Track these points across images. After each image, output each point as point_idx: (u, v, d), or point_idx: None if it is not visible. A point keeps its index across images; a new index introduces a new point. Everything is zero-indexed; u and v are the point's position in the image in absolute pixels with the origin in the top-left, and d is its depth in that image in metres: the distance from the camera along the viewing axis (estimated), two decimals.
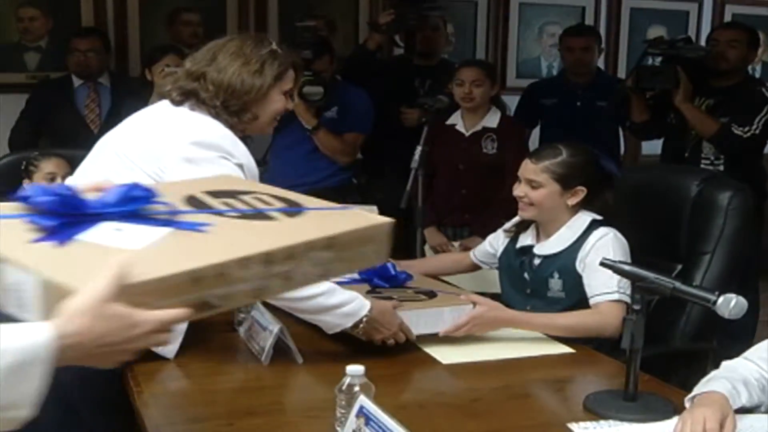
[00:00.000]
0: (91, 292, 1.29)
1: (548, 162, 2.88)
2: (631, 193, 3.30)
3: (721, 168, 4.61)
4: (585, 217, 2.90)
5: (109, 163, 2.50)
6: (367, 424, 1.80)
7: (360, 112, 4.71)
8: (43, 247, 1.43)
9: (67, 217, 1.48)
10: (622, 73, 7.00)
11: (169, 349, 2.29)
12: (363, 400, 1.84)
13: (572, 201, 2.88)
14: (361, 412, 1.82)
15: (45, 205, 1.49)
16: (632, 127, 5.07)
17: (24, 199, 1.50)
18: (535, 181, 2.87)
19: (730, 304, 1.96)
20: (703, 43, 5.47)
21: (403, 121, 5.09)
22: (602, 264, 2.21)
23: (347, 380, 1.91)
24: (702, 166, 4.62)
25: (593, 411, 2.09)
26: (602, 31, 6.97)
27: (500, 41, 6.83)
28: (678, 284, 2.03)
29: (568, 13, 6.92)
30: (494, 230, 3.25)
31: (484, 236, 3.37)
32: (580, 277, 2.82)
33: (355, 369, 1.91)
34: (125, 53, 5.86)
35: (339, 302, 2.38)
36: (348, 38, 6.01)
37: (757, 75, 7.47)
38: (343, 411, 1.90)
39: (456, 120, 4.62)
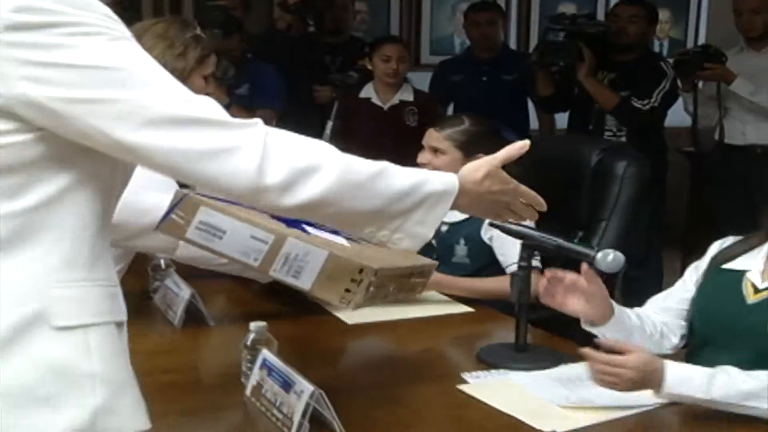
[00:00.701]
0: (487, 160, 1.79)
1: (450, 130, 3.01)
2: (537, 164, 3.42)
3: (624, 139, 4.80)
4: None
5: None
6: (269, 374, 1.91)
7: (271, 89, 4.81)
8: (298, 231, 1.81)
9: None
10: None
11: None
12: (265, 354, 1.95)
13: None
14: (264, 365, 1.94)
15: None
16: (538, 100, 5.25)
17: None
18: (438, 148, 2.99)
19: (608, 258, 2.11)
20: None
21: (316, 99, 5.18)
22: (490, 224, 2.34)
23: (251, 336, 2.02)
24: (605, 137, 4.81)
25: (486, 361, 2.22)
26: (513, 7, 7.19)
27: (414, 19, 6.97)
28: (560, 241, 2.18)
29: None
30: None
31: None
32: (485, 244, 2.95)
33: (257, 325, 2.02)
34: None
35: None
36: (261, 17, 6.07)
37: (665, 50, 7.71)
38: (248, 365, 2.01)
39: (370, 94, 4.76)
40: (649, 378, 1.91)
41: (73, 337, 1.34)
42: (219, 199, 1.94)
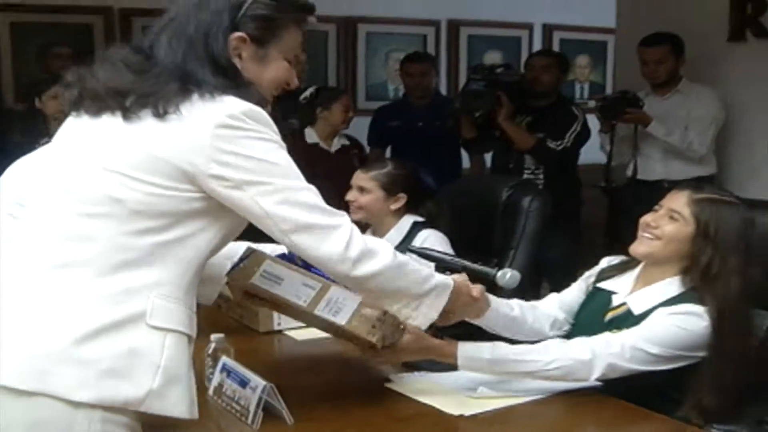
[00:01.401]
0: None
1: (376, 172, 3.44)
2: (458, 200, 3.90)
3: (541, 177, 5.27)
4: (408, 220, 3.46)
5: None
6: (228, 376, 2.31)
7: None
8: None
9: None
10: None
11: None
12: (224, 359, 2.35)
13: (395, 206, 3.43)
14: (224, 368, 2.34)
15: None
16: (463, 143, 5.72)
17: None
18: (364, 187, 3.42)
19: (506, 276, 2.52)
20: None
21: None
22: (409, 250, 2.77)
23: (212, 345, 2.41)
24: (525, 175, 5.24)
25: (408, 365, 2.56)
26: (443, 57, 7.63)
27: (350, 67, 7.38)
28: (466, 263, 2.59)
29: (411, 41, 7.51)
30: None
31: None
32: None
33: (217, 336, 2.42)
34: None
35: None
36: None
37: (585, 93, 8.26)
38: (211, 370, 2.39)
39: (315, 139, 5.23)
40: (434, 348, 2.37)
41: (156, 334, 1.79)
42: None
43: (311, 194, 1.93)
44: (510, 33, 7.99)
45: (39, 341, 1.72)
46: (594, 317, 2.64)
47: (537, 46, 8.05)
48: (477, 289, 2.40)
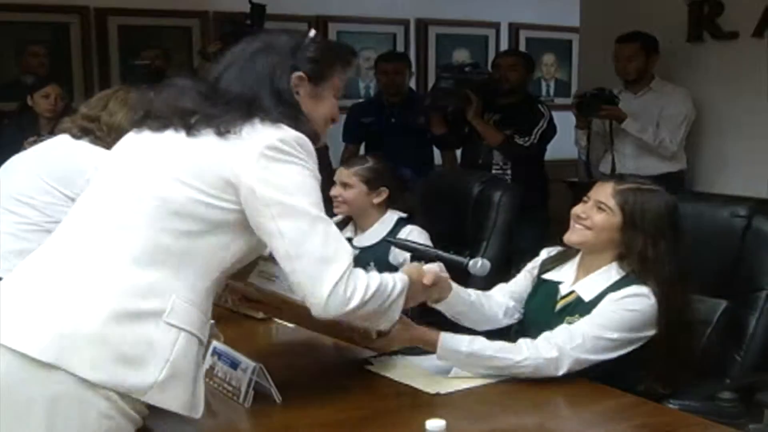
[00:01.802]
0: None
1: (358, 167, 3.60)
2: (432, 194, 4.08)
3: (509, 172, 5.45)
4: (393, 216, 3.62)
5: (25, 181, 3.08)
6: (219, 359, 2.47)
7: None
8: None
9: None
10: None
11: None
12: (215, 343, 2.51)
13: (377, 200, 3.60)
14: (215, 352, 2.49)
15: None
16: (433, 138, 5.89)
17: None
18: (347, 183, 3.58)
19: (477, 265, 2.68)
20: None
21: None
22: (387, 240, 2.93)
23: None
24: (493, 171, 5.43)
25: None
26: (412, 55, 7.75)
27: None
28: (440, 252, 2.76)
29: (381, 40, 7.70)
30: None
31: None
32: (393, 267, 3.50)
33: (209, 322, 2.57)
34: None
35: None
36: (183, 67, 6.52)
37: (551, 91, 8.46)
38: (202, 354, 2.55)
39: None
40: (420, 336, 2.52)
41: (171, 332, 1.96)
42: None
43: (325, 227, 2.06)
44: (477, 32, 8.17)
45: (66, 318, 1.91)
46: (544, 307, 2.78)
47: (504, 44, 8.24)
48: (428, 277, 2.49)
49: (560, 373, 2.48)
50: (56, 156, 3.15)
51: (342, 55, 2.31)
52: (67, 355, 1.88)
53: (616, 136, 5.35)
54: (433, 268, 2.54)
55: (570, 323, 2.60)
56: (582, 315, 2.60)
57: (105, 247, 2.01)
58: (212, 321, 2.53)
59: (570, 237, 2.72)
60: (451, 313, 2.78)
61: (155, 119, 2.14)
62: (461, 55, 7.91)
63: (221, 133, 2.03)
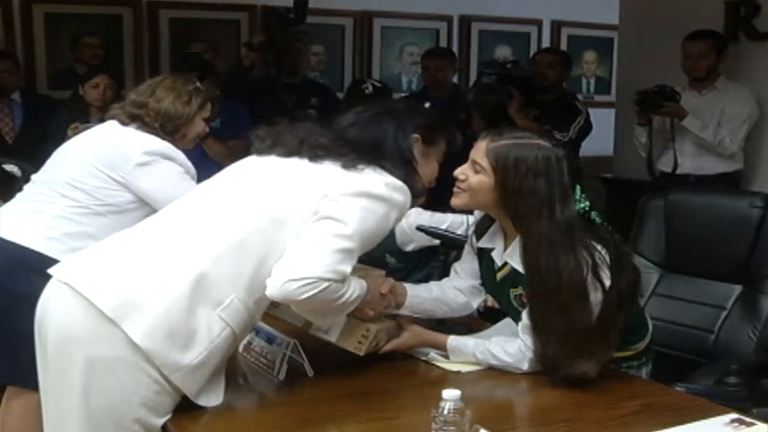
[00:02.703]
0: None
1: None
2: None
3: None
4: None
5: (76, 166, 3.21)
6: (257, 334, 2.63)
7: (241, 123, 5.42)
8: None
9: None
10: None
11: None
12: None
13: None
14: (253, 328, 2.61)
15: None
16: (473, 135, 6.01)
17: None
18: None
19: None
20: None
21: None
22: (418, 228, 3.08)
23: None
24: None
25: None
26: (454, 50, 7.85)
27: (365, 60, 7.66)
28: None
29: (424, 36, 7.83)
30: None
31: None
32: (407, 252, 3.68)
33: None
34: (33, 73, 6.53)
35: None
36: (231, 60, 6.72)
37: (592, 88, 8.55)
38: None
39: None
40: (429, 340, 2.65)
41: (219, 324, 2.20)
42: None
43: (348, 261, 2.26)
44: (519, 29, 8.25)
45: (141, 287, 2.17)
46: (489, 278, 2.74)
47: (546, 41, 8.32)
48: (385, 286, 2.62)
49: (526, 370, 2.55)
50: (104, 141, 3.29)
51: (448, 126, 2.67)
52: (128, 318, 2.11)
53: (677, 134, 5.34)
54: (389, 279, 2.69)
55: (517, 295, 2.59)
56: (523, 286, 2.55)
57: (201, 237, 2.26)
58: None
59: (452, 201, 2.61)
60: (417, 312, 2.81)
61: (282, 147, 2.44)
62: (503, 52, 8.02)
63: (346, 166, 2.32)
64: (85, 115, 5.27)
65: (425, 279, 3.51)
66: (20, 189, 4.69)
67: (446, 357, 2.64)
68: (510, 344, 2.56)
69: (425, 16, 7.77)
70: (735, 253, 3.13)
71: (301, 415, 2.27)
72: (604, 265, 2.44)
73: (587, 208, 2.49)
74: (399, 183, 2.35)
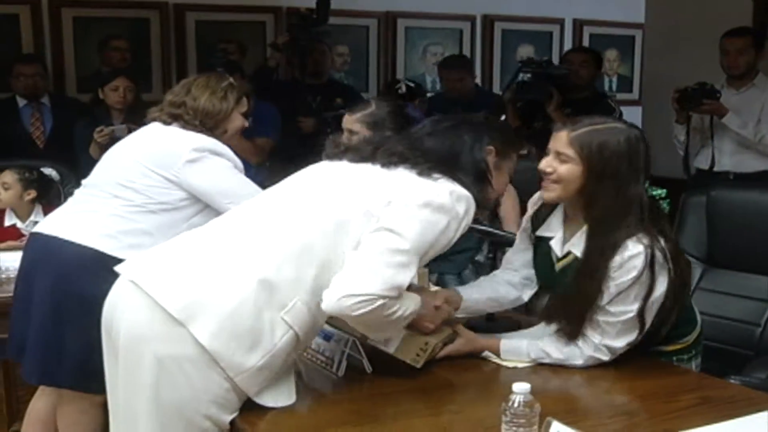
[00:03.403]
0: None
1: (360, 114, 3.60)
2: None
3: None
4: None
5: (126, 167, 3.25)
6: None
7: (268, 122, 5.48)
8: None
9: None
10: (496, 86, 7.96)
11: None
12: None
13: None
14: None
15: None
16: None
17: None
18: (352, 130, 3.57)
19: None
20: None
21: (301, 129, 5.94)
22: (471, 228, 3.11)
23: None
24: None
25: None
26: (477, 50, 7.96)
27: (390, 60, 7.69)
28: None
29: (447, 35, 7.86)
30: None
31: None
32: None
33: None
34: (62, 76, 6.58)
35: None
36: (257, 61, 6.74)
37: (614, 86, 8.56)
38: None
39: None
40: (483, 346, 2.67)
41: (282, 327, 2.23)
42: None
43: (406, 271, 2.26)
44: (542, 28, 8.27)
45: (208, 289, 2.20)
46: (545, 266, 2.77)
47: (568, 40, 8.36)
48: (438, 299, 2.66)
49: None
50: (153, 142, 3.32)
51: (521, 140, 2.73)
52: (194, 319, 2.15)
53: (716, 132, 5.30)
54: (441, 291, 2.77)
55: None
56: None
57: (267, 240, 2.29)
58: None
59: (544, 195, 2.64)
60: (471, 313, 2.85)
61: (355, 152, 2.50)
62: (526, 51, 8.04)
63: (420, 174, 2.35)
64: (107, 118, 5.33)
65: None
66: (58, 193, 4.78)
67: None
68: (562, 342, 2.60)
69: (449, 16, 7.79)
70: None
71: (365, 411, 2.31)
72: (661, 254, 2.49)
73: (662, 195, 2.60)
74: (464, 193, 2.35)
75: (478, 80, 7.49)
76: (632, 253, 2.46)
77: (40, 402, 3.47)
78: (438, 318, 2.62)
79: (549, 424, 1.95)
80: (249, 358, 2.19)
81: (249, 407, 2.25)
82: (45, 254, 3.22)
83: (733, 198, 3.40)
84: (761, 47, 5.32)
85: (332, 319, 2.48)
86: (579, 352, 2.57)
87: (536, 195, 2.81)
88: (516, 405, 1.98)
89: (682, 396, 2.39)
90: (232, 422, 2.23)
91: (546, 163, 2.57)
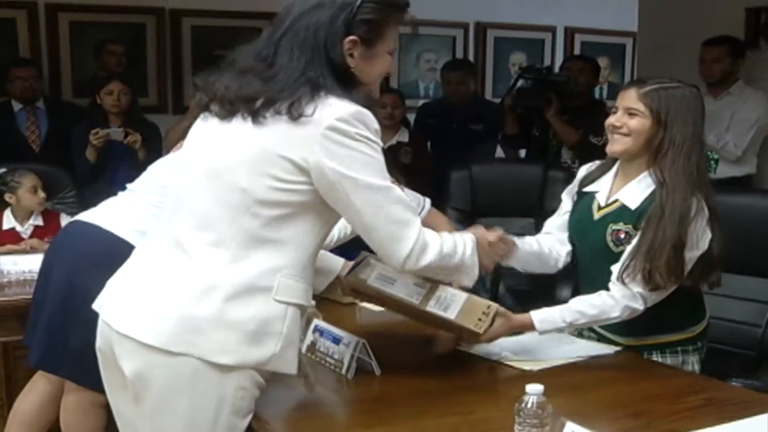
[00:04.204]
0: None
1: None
2: None
3: (576, 170, 5.64)
4: None
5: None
6: (321, 335, 2.68)
7: None
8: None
9: None
10: (488, 93, 8.03)
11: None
12: (316, 321, 2.73)
13: None
14: (316, 329, 2.71)
15: None
16: (504, 139, 6.14)
17: None
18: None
19: None
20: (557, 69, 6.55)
21: None
22: None
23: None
24: None
25: None
26: (470, 56, 8.01)
27: None
28: None
29: (441, 43, 7.93)
30: None
31: None
32: None
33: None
34: (58, 80, 6.60)
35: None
36: None
37: (605, 94, 8.64)
38: (303, 332, 2.70)
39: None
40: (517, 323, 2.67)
41: (280, 307, 2.14)
42: None
43: (394, 194, 2.18)
44: (534, 35, 8.37)
45: (184, 304, 2.10)
46: (584, 217, 2.90)
47: (559, 48, 8.45)
48: (493, 235, 2.63)
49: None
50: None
51: (394, 10, 2.27)
52: (195, 342, 2.09)
53: None
54: (496, 228, 2.70)
55: (615, 230, 2.76)
56: (628, 222, 2.74)
57: (202, 237, 2.15)
58: (312, 301, 2.76)
59: (612, 147, 2.80)
60: (521, 266, 2.93)
61: (221, 107, 2.19)
62: (518, 58, 8.14)
63: (293, 117, 2.08)
64: (104, 122, 5.36)
65: None
66: (69, 188, 4.85)
67: (517, 356, 2.70)
68: (593, 298, 2.70)
69: (442, 23, 7.82)
70: None
71: (377, 413, 2.33)
72: (711, 209, 2.68)
73: (716, 158, 2.67)
74: (347, 113, 2.10)
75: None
76: (695, 204, 2.62)
77: (26, 402, 3.47)
78: (494, 255, 2.64)
79: (563, 425, 1.99)
80: (266, 350, 2.12)
81: (262, 408, 2.24)
82: (67, 242, 3.25)
83: (726, 203, 3.44)
84: (739, 56, 5.44)
85: (390, 287, 2.53)
86: (615, 304, 2.66)
87: (584, 167, 3.05)
88: (529, 406, 2.00)
89: (688, 398, 2.44)
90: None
91: (615, 119, 2.76)
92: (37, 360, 3.29)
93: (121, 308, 2.21)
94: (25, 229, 4.68)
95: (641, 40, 6.65)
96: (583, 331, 2.92)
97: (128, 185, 3.40)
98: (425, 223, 2.31)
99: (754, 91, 5.45)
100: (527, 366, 2.63)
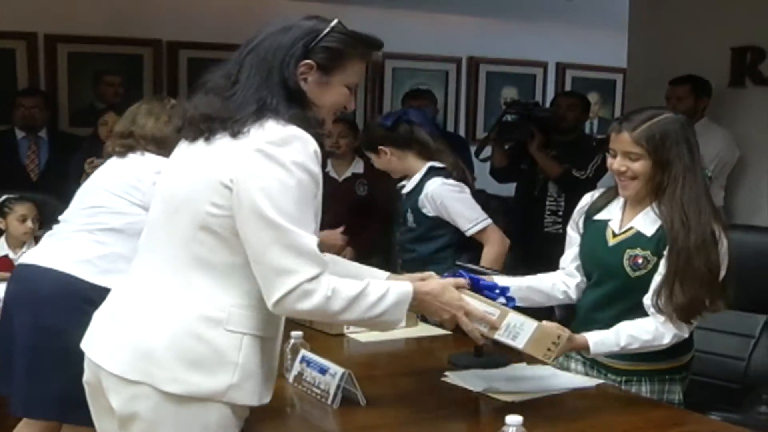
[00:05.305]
0: (441, 282, 2.48)
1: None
2: None
3: (563, 204, 5.77)
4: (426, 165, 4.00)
5: (97, 195, 3.35)
6: (308, 366, 2.71)
7: None
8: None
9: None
10: (480, 126, 8.15)
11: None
12: (304, 352, 2.76)
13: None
14: (303, 359, 2.73)
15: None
16: (493, 172, 6.21)
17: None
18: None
19: None
20: (548, 104, 6.65)
21: None
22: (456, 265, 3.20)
23: (292, 341, 2.79)
24: (548, 202, 5.84)
25: (455, 364, 2.98)
26: (462, 90, 8.14)
27: (376, 99, 7.85)
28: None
29: (434, 76, 8.04)
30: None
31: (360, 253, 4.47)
32: (424, 215, 3.92)
33: (296, 334, 2.80)
34: (56, 110, 6.65)
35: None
36: None
37: (595, 128, 8.72)
38: (290, 362, 2.77)
39: (328, 167, 5.52)
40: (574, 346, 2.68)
41: (233, 337, 2.12)
42: None
43: (287, 238, 2.06)
44: (526, 70, 8.48)
45: (139, 334, 2.13)
46: (597, 243, 2.92)
47: (551, 83, 8.56)
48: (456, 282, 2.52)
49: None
50: (117, 170, 3.39)
51: (363, 46, 2.26)
52: (150, 371, 2.10)
53: None
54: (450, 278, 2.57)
55: (632, 256, 2.80)
56: (645, 248, 2.78)
57: (161, 263, 2.19)
58: (300, 332, 2.79)
59: (624, 193, 2.82)
60: (525, 303, 2.91)
61: (189, 128, 2.21)
62: (510, 93, 8.24)
63: (234, 134, 2.07)
64: (101, 151, 5.38)
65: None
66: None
67: (503, 389, 2.72)
68: (644, 323, 2.73)
69: (435, 57, 7.96)
70: (758, 285, 3.28)
71: None
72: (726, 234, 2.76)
73: (710, 174, 2.75)
74: (278, 137, 2.07)
75: (462, 119, 7.64)
76: (718, 231, 2.71)
77: None
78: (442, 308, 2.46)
79: None
80: (220, 381, 2.11)
81: None
82: (24, 287, 3.28)
83: None
84: (703, 95, 5.55)
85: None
86: (665, 331, 2.70)
87: (587, 195, 3.09)
88: None
89: (669, 430, 2.49)
90: None
91: (618, 164, 2.77)
92: (23, 409, 3.30)
93: (98, 340, 2.26)
94: (17, 257, 4.69)
95: (630, 76, 6.74)
96: (572, 353, 2.95)
97: (60, 217, 3.46)
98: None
99: (717, 128, 5.55)
100: (510, 398, 2.66)
